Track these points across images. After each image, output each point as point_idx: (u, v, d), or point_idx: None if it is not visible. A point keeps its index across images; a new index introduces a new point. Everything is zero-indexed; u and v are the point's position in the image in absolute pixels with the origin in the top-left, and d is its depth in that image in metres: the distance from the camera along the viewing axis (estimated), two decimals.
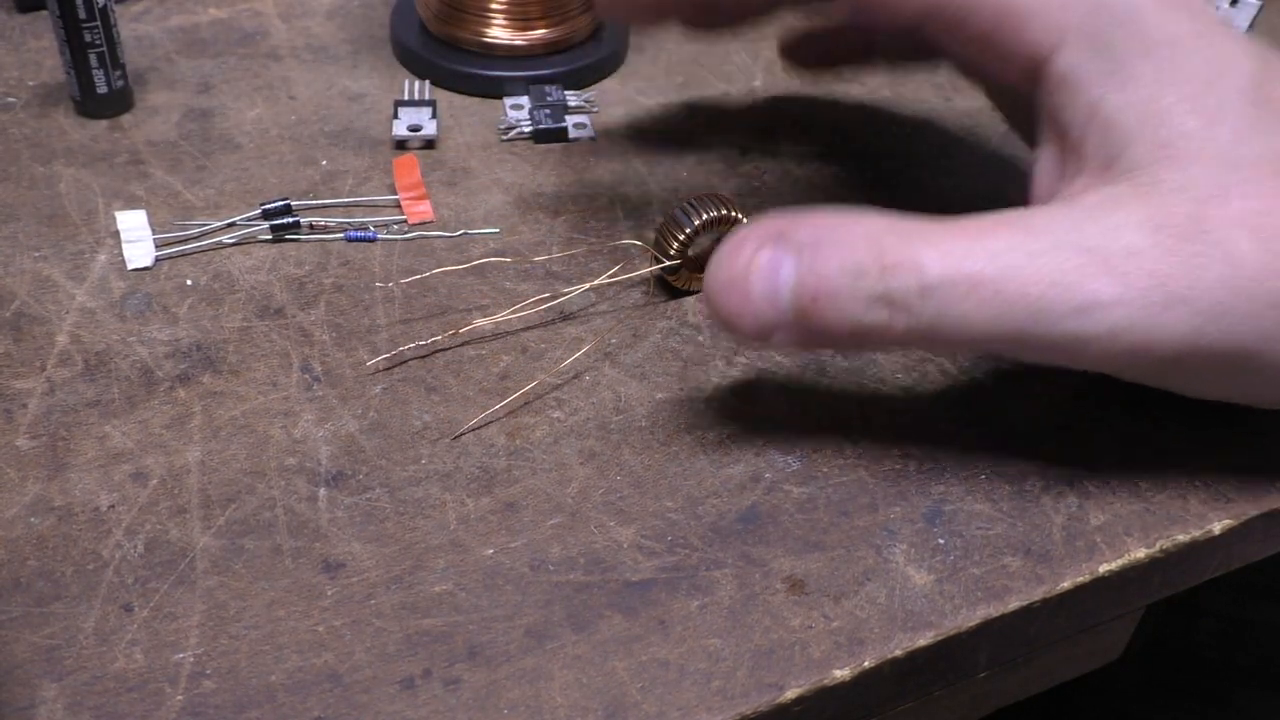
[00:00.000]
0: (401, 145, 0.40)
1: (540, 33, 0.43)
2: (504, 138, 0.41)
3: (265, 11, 0.46)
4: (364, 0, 0.47)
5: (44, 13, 0.44)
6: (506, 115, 0.42)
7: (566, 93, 0.42)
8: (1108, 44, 0.26)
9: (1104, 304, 0.25)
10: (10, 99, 0.41)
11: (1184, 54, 0.26)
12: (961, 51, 0.29)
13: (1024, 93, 0.29)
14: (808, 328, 0.26)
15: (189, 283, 0.34)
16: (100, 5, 0.38)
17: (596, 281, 0.34)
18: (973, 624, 0.27)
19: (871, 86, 0.45)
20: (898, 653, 0.27)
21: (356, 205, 0.38)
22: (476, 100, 0.43)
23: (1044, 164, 0.29)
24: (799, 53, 0.40)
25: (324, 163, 0.39)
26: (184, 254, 0.35)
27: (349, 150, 0.40)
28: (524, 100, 0.42)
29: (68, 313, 0.33)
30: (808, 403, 0.32)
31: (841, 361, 0.33)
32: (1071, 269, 0.25)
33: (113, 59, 0.39)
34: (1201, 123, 0.25)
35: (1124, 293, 0.24)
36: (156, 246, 0.35)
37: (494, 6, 0.42)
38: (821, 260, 0.26)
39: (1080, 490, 0.30)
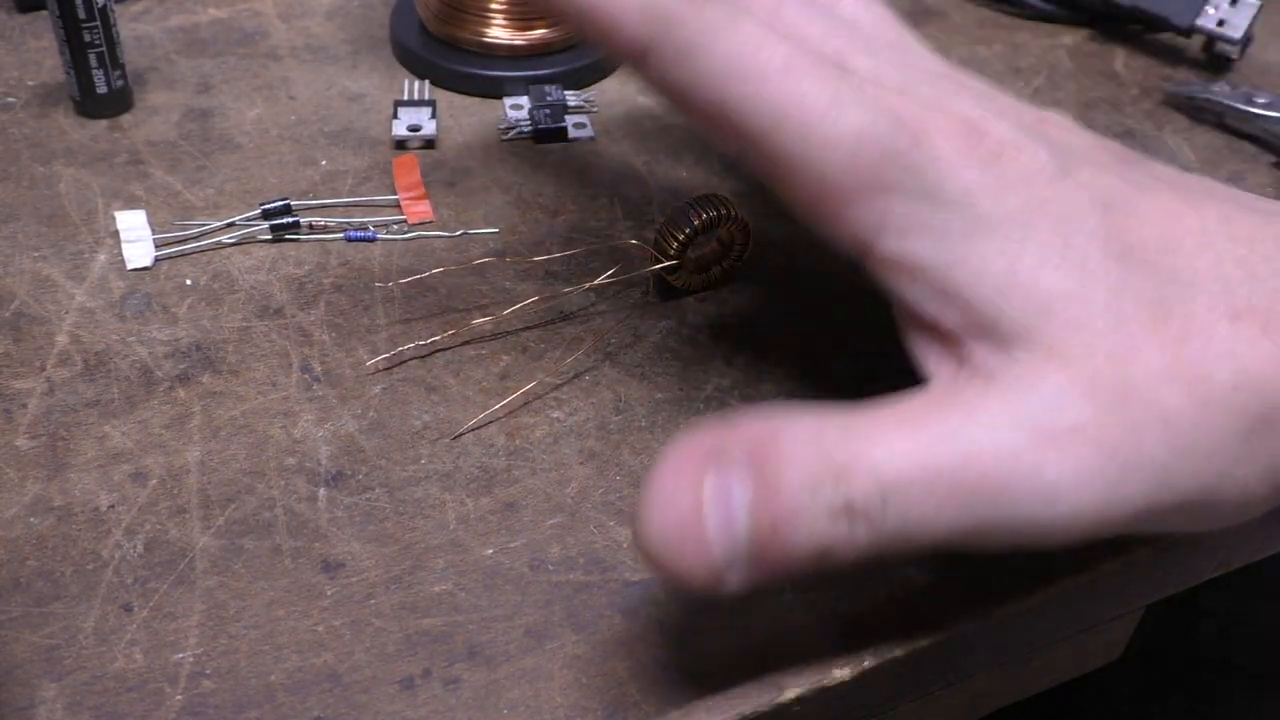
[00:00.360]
0: (401, 145, 0.40)
1: (540, 33, 0.43)
2: (504, 138, 0.41)
3: (265, 11, 0.46)
4: (364, 0, 0.47)
5: (44, 13, 0.44)
6: (506, 115, 0.42)
7: (566, 93, 0.42)
8: (940, 228, 0.24)
9: (1064, 488, 0.23)
10: (10, 99, 0.41)
11: (1029, 223, 0.24)
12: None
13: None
14: (766, 559, 0.23)
15: (189, 283, 0.34)
16: (100, 5, 0.38)
17: (596, 281, 0.34)
18: (973, 624, 0.27)
19: None
20: (898, 653, 0.27)
21: (356, 205, 0.38)
22: (476, 100, 0.43)
23: (913, 338, 0.27)
24: None
25: (324, 163, 0.39)
26: (184, 254, 0.35)
27: (349, 150, 0.40)
28: (524, 100, 0.42)
29: (67, 313, 0.33)
30: (809, 402, 0.32)
31: (843, 361, 0.33)
32: (1025, 451, 0.23)
33: (112, 59, 0.39)
34: (1073, 284, 0.24)
35: (1080, 472, 0.23)
36: (156, 246, 0.35)
37: (494, 6, 0.42)
38: (777, 478, 0.23)
39: None
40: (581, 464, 0.30)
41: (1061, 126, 0.27)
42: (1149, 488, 0.23)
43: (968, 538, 0.24)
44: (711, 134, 0.25)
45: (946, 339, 0.25)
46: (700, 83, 0.24)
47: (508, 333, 0.34)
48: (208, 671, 0.25)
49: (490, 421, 0.31)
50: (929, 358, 0.26)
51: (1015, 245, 0.24)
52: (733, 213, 0.34)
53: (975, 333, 0.24)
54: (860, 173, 0.24)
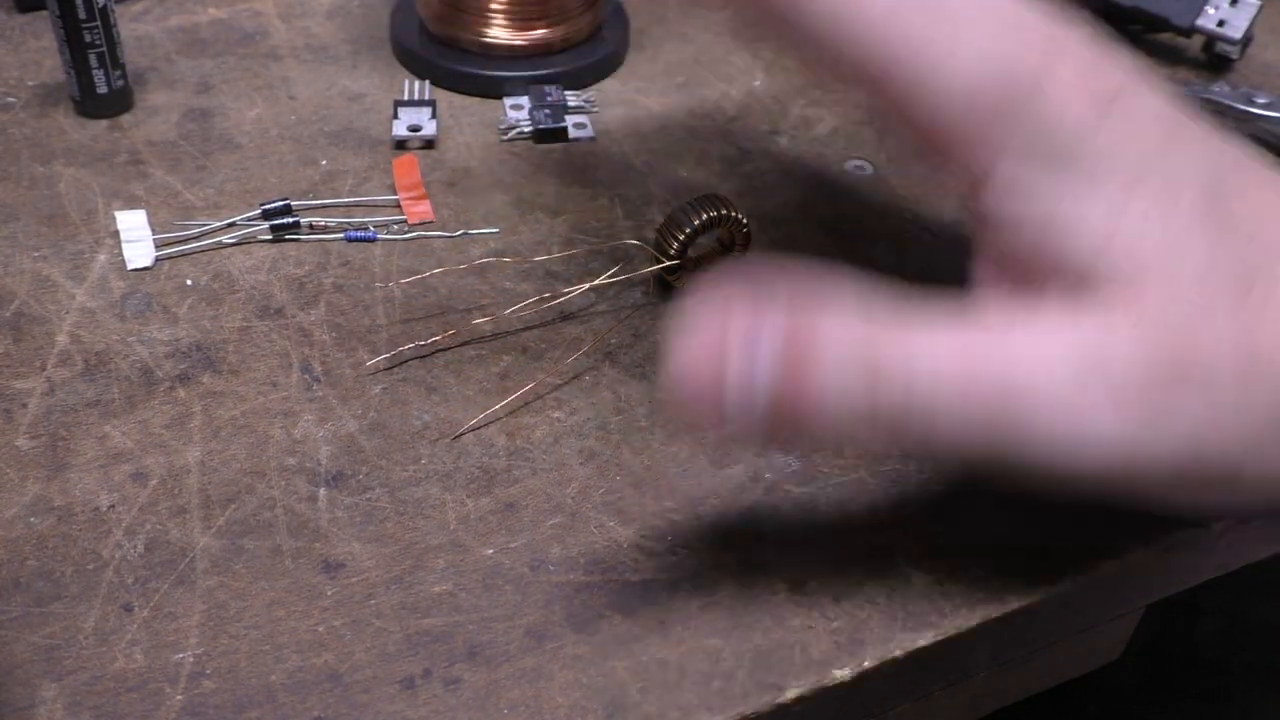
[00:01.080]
0: (401, 145, 0.40)
1: (540, 33, 0.43)
2: (504, 138, 0.41)
3: (265, 11, 0.46)
4: (364, 0, 0.47)
5: (44, 13, 0.44)
6: (506, 115, 0.42)
7: (566, 93, 0.42)
8: (1059, 158, 0.24)
9: (1098, 431, 0.24)
10: (10, 99, 0.41)
11: (1140, 177, 0.24)
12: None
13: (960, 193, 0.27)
14: (780, 422, 0.23)
15: (189, 283, 0.34)
16: (100, 5, 0.38)
17: (596, 281, 0.34)
18: (973, 624, 0.27)
19: None
20: (898, 653, 0.27)
21: (356, 205, 0.38)
22: (476, 100, 0.43)
23: (985, 273, 0.27)
24: None
25: (324, 163, 0.39)
26: (184, 254, 0.35)
27: (349, 150, 0.40)
28: (524, 100, 0.42)
29: (68, 313, 0.33)
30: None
31: None
32: (1069, 385, 0.24)
33: (112, 59, 0.39)
34: (1171, 240, 0.24)
35: (1118, 421, 0.24)
36: (156, 246, 0.35)
37: (494, 6, 0.42)
38: (805, 347, 0.23)
39: None
40: (581, 464, 0.30)
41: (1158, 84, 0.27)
42: (1181, 451, 0.24)
43: (991, 454, 0.24)
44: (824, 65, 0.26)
45: (1029, 274, 0.25)
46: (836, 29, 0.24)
47: (508, 333, 0.34)
48: (208, 671, 0.25)
49: (490, 421, 0.31)
50: (999, 285, 0.26)
51: (1123, 196, 0.24)
52: (733, 213, 0.34)
53: (1061, 274, 0.25)
54: (979, 110, 0.24)
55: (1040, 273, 0.25)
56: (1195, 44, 0.48)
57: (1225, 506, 0.26)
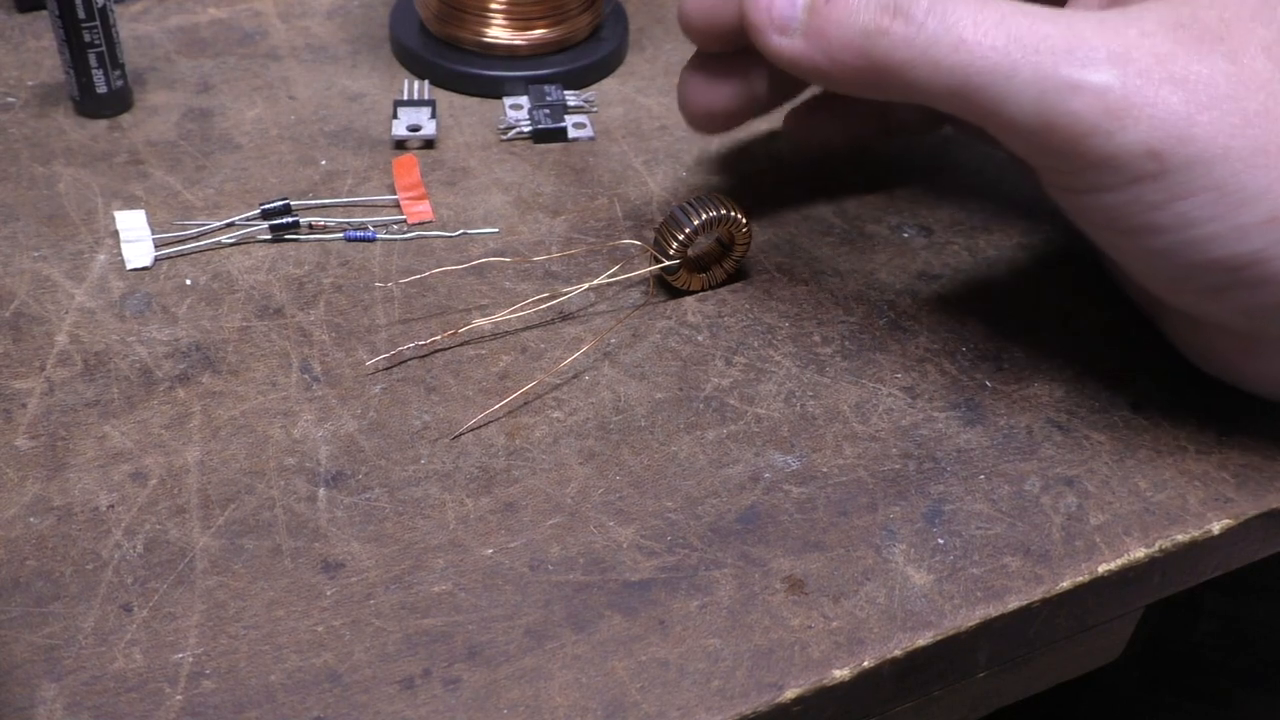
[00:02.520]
0: (401, 145, 0.40)
1: (540, 33, 0.43)
2: (504, 138, 0.41)
3: (265, 11, 0.46)
4: (364, 0, 0.47)
5: (44, 13, 0.44)
6: (506, 115, 0.42)
7: (566, 93, 0.42)
8: None
9: (1099, 59, 0.26)
10: (10, 99, 0.41)
11: None
12: None
13: None
14: (816, 28, 0.28)
15: (188, 283, 0.34)
16: (100, 5, 0.38)
17: (596, 281, 0.34)
18: (973, 624, 0.27)
19: None
20: (897, 653, 0.27)
21: (356, 205, 0.38)
22: (476, 100, 0.43)
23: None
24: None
25: (323, 163, 0.39)
26: (183, 254, 0.35)
27: (349, 150, 0.40)
28: (524, 100, 0.42)
29: (67, 313, 0.33)
30: (807, 402, 0.32)
31: (841, 361, 0.33)
32: (1084, 30, 0.26)
33: (112, 59, 0.39)
34: None
35: (1123, 57, 0.26)
36: (156, 246, 0.35)
37: (494, 6, 0.42)
38: None
39: (1080, 490, 0.30)
40: (581, 464, 0.30)
41: None
42: (1186, 110, 0.26)
43: (992, 82, 0.27)
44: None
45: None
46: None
47: (508, 333, 0.34)
48: (208, 671, 0.25)
49: (490, 421, 0.31)
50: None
51: None
52: (732, 213, 0.34)
53: None
54: None
55: None
56: None
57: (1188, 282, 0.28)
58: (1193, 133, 0.25)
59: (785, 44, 0.29)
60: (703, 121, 0.35)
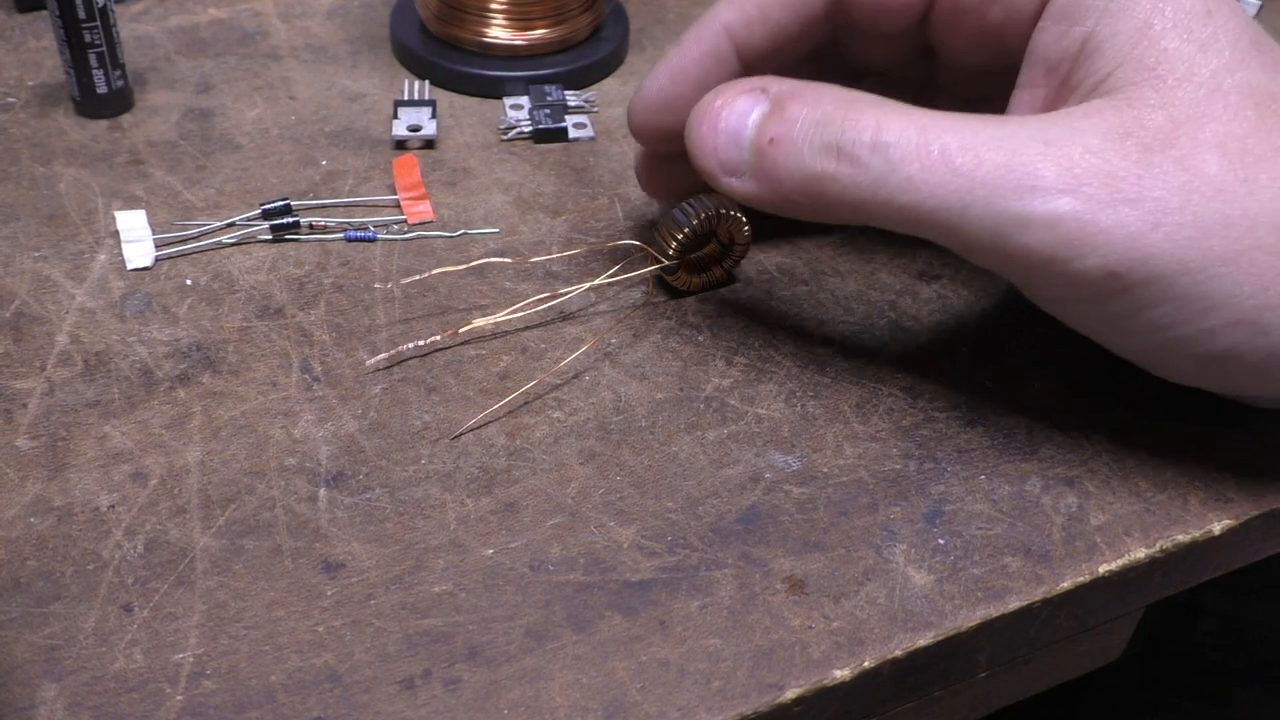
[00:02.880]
0: (401, 145, 0.40)
1: (540, 33, 0.43)
2: (504, 138, 0.41)
3: (265, 11, 0.46)
4: (364, 0, 0.47)
5: (44, 13, 0.44)
6: (506, 115, 0.42)
7: (566, 93, 0.42)
8: None
9: (1049, 189, 0.25)
10: (10, 99, 0.41)
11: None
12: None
13: (1009, 48, 0.30)
14: (764, 171, 0.28)
15: (189, 283, 0.34)
16: (100, 5, 0.38)
17: (596, 281, 0.34)
18: (973, 624, 0.27)
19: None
20: (898, 653, 0.27)
21: (356, 205, 0.38)
22: (476, 100, 0.43)
23: (1022, 98, 0.29)
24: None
25: (324, 163, 0.39)
26: (184, 254, 0.35)
27: (349, 150, 0.40)
28: (524, 100, 0.42)
29: (68, 313, 0.33)
30: (808, 403, 0.32)
31: (842, 361, 0.33)
32: (1027, 156, 0.25)
33: (112, 59, 0.39)
34: (1192, 49, 0.26)
35: (1072, 183, 0.25)
36: (156, 246, 0.35)
37: (494, 6, 0.42)
38: (789, 109, 0.28)
39: (1080, 490, 0.30)
40: (581, 464, 0.30)
41: None
42: (1139, 228, 0.25)
43: (946, 218, 0.26)
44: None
45: (1065, 93, 0.28)
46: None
47: (508, 333, 0.34)
48: (208, 672, 0.25)
49: (490, 421, 0.31)
50: (1020, 110, 0.29)
51: (1161, 4, 0.26)
52: (732, 212, 0.34)
53: (1088, 86, 0.27)
54: None
55: (1071, 85, 0.27)
56: None
57: (1162, 341, 0.27)
58: (1149, 251, 0.25)
59: (737, 184, 0.29)
60: (667, 198, 0.36)
